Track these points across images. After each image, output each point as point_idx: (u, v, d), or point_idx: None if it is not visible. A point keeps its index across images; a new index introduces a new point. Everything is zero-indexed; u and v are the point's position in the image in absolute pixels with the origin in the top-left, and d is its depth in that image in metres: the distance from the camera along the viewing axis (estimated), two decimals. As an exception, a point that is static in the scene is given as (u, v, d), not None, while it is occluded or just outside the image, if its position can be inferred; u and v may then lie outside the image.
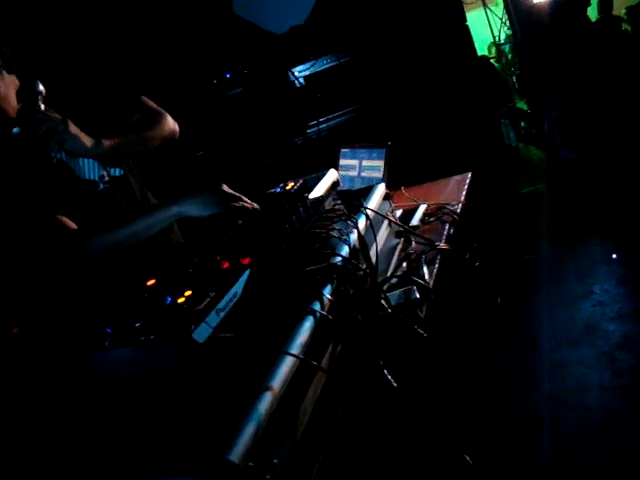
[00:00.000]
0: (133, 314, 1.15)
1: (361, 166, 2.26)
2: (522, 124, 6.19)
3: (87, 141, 1.53)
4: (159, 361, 1.01)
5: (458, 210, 2.05)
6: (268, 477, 0.84)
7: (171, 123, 1.84)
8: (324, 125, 4.96)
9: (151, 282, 1.29)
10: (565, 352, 2.60)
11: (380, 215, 1.58)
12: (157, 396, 0.97)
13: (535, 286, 3.17)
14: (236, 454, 0.80)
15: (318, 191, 1.52)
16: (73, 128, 1.49)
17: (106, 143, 1.58)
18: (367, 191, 1.70)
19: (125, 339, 1.07)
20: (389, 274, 1.57)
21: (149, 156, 1.79)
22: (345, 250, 1.30)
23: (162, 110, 1.85)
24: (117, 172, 1.71)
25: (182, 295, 1.14)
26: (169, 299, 1.16)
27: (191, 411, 0.94)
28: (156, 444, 0.90)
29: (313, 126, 4.98)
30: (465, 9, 4.35)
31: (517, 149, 5.69)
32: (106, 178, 1.67)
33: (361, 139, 2.40)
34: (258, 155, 4.42)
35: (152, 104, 1.84)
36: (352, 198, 1.56)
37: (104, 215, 1.58)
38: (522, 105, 6.70)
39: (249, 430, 0.84)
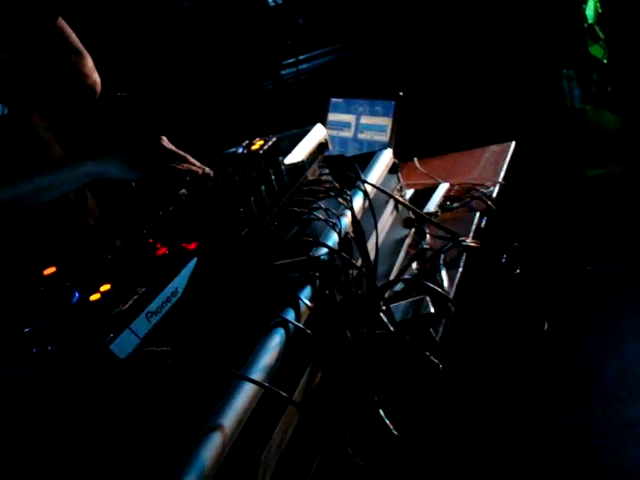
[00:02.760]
0: (19, 315, 1.17)
1: (359, 124, 2.30)
2: (594, 77, 6.25)
3: None
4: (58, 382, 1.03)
5: (494, 194, 2.09)
6: None
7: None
8: (305, 65, 4.99)
9: (49, 270, 1.31)
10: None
11: (384, 194, 1.61)
12: (60, 429, 0.99)
13: (600, 310, 3.23)
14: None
15: (297, 154, 1.55)
16: None
17: None
18: (367, 159, 1.73)
19: (7, 350, 1.09)
20: (392, 277, 1.61)
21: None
22: (333, 239, 1.33)
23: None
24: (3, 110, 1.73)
25: (96, 290, 1.17)
26: (77, 295, 1.18)
27: (105, 455, 0.96)
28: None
29: (291, 65, 5.00)
30: None
31: (584, 113, 5.76)
32: None
33: (358, 87, 2.43)
34: (212, 101, 4.42)
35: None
36: (345, 167, 1.59)
37: None
38: (596, 51, 6.77)
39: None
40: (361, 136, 2.27)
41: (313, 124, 1.89)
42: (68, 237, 1.61)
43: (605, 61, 6.51)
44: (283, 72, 4.96)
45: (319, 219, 1.35)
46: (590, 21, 7.55)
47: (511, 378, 2.39)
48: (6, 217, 1.51)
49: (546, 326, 2.33)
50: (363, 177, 1.56)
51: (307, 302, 1.19)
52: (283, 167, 1.48)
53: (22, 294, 1.24)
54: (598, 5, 7.23)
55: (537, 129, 4.14)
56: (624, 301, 3.32)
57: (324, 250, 1.30)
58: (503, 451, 2.27)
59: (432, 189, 2.19)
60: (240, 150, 1.69)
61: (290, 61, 4.98)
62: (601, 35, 7.08)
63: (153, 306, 1.08)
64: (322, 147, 1.69)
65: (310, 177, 1.48)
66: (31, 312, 1.17)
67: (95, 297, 1.15)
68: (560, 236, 3.69)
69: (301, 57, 5.00)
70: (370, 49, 4.54)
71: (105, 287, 1.17)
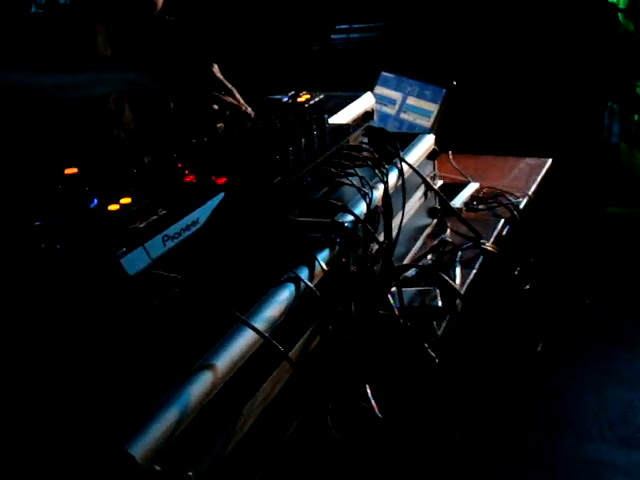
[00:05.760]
0: (34, 208, 1.15)
1: (404, 104, 2.26)
2: (635, 117, 6.21)
3: None
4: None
5: (521, 205, 2.07)
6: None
7: None
8: (356, 35, 4.93)
9: (71, 170, 1.28)
10: (609, 452, 2.66)
11: (420, 177, 1.59)
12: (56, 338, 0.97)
13: (590, 346, 3.23)
14: (140, 449, 0.80)
15: (344, 116, 1.52)
16: None
17: None
18: (408, 139, 1.71)
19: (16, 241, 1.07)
20: (406, 262, 1.59)
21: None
22: (362, 208, 1.31)
23: None
24: None
25: (116, 201, 1.15)
26: (95, 201, 1.16)
27: (99, 370, 0.94)
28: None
29: (342, 31, 4.95)
30: None
31: (618, 149, 5.72)
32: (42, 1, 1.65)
33: (410, 66, 2.40)
34: (260, 47, 4.37)
35: None
36: (386, 141, 1.56)
37: (30, 49, 1.58)
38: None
39: (167, 420, 0.85)
40: (404, 116, 2.23)
41: (356, 92, 1.86)
42: (97, 145, 1.58)
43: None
44: (334, 36, 4.91)
45: (352, 185, 1.32)
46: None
47: (496, 388, 2.38)
48: (46, 103, 1.50)
49: (540, 348, 2.33)
50: (402, 155, 1.53)
51: (323, 264, 1.17)
52: (327, 125, 1.45)
53: (40, 188, 1.22)
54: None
55: (572, 153, 4.10)
56: (614, 340, 3.32)
57: (349, 217, 1.27)
58: (468, 458, 2.27)
59: (461, 186, 2.16)
60: (285, 99, 1.66)
61: (342, 27, 4.92)
62: (650, 77, 7.03)
63: (171, 230, 1.06)
64: (367, 116, 1.66)
65: (351, 142, 1.45)
66: (46, 208, 1.14)
67: (114, 207, 1.13)
68: (570, 263, 3.68)
69: (355, 26, 4.94)
70: (427, 33, 4.48)
71: (126, 200, 1.15)
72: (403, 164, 1.52)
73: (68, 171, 1.29)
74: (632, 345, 3.31)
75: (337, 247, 1.23)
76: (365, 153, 1.45)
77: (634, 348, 3.29)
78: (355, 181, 1.33)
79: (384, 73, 2.35)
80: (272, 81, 3.92)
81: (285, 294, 1.09)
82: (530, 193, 2.17)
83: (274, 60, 4.41)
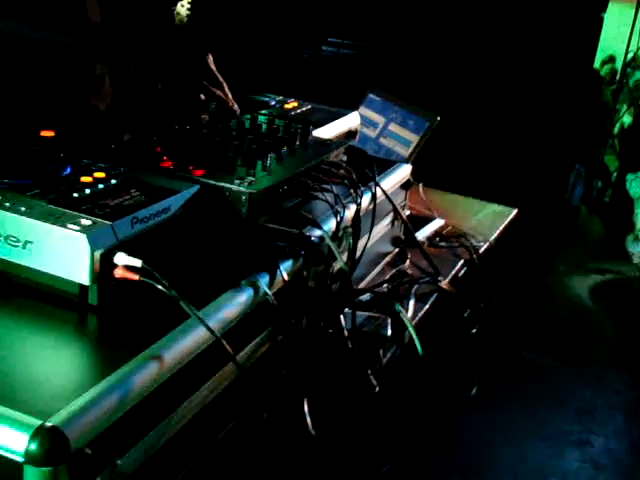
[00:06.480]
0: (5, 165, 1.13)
1: (386, 129, 2.27)
2: (598, 184, 6.35)
3: None
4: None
5: (481, 250, 2.09)
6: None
7: None
8: (347, 51, 4.96)
9: (47, 133, 1.26)
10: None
11: (392, 205, 1.59)
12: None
13: (520, 398, 3.27)
14: (75, 430, 0.79)
15: (328, 131, 1.52)
16: None
17: None
18: (386, 165, 1.71)
19: None
20: (362, 285, 1.59)
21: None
22: (331, 225, 1.31)
23: None
24: None
25: (90, 173, 1.13)
26: (69, 169, 1.14)
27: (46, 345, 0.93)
28: None
29: (333, 44, 4.97)
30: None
31: (577, 211, 5.85)
32: None
33: (397, 91, 2.41)
34: (248, 44, 4.36)
35: None
36: (364, 164, 1.57)
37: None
38: (610, 161, 6.86)
39: (105, 406, 0.83)
40: (383, 141, 2.24)
41: (340, 107, 1.87)
42: (74, 110, 1.55)
43: (614, 174, 6.62)
44: (324, 48, 4.92)
45: (325, 201, 1.32)
46: (615, 132, 7.66)
47: (422, 426, 2.39)
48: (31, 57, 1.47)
49: (474, 392, 2.34)
50: (378, 180, 1.54)
51: (284, 274, 1.17)
52: (310, 137, 1.45)
53: (14, 146, 1.19)
54: (626, 120, 7.33)
55: (534, 207, 4.18)
56: (543, 396, 3.37)
57: (317, 232, 1.27)
58: None
59: (426, 220, 2.17)
60: (273, 103, 1.66)
61: (334, 40, 4.95)
62: (617, 149, 7.20)
63: (141, 214, 1.04)
64: (350, 135, 1.67)
65: (332, 158, 1.45)
66: (17, 166, 1.12)
67: (86, 179, 1.11)
68: (515, 314, 3.74)
69: (346, 42, 4.97)
70: (415, 64, 4.52)
71: (99, 174, 1.13)
72: (377, 189, 1.52)
73: (45, 133, 1.26)
74: (559, 403, 3.36)
75: (300, 260, 1.23)
76: (343, 171, 1.45)
77: (560, 406, 3.34)
78: (329, 197, 1.33)
79: (371, 95, 2.35)
80: (255, 79, 3.91)
81: (243, 297, 1.09)
82: (492, 239, 2.19)
83: (261, 59, 4.40)
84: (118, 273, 0.97)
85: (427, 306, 1.65)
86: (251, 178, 1.22)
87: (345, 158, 1.60)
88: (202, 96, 1.48)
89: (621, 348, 3.95)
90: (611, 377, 3.62)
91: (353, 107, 2.28)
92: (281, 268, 1.17)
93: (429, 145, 2.26)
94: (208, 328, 0.97)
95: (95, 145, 1.26)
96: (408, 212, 2.17)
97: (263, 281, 1.13)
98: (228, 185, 1.20)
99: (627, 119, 7.39)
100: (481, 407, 2.91)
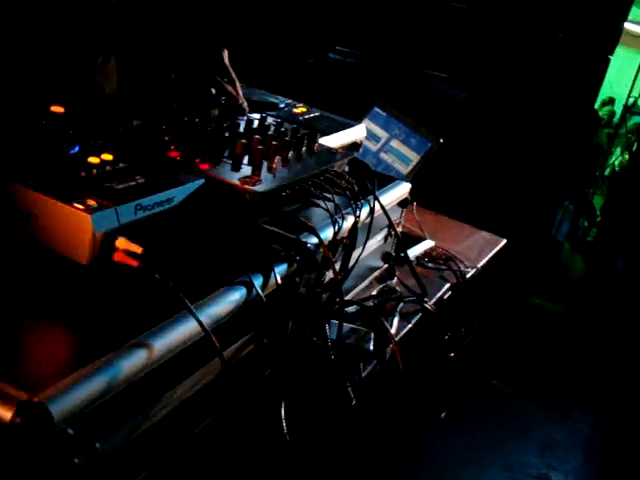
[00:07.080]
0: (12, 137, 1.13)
1: (387, 144, 2.28)
2: (585, 223, 6.42)
3: None
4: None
5: (468, 275, 2.11)
6: (76, 460, 0.83)
7: None
8: (352, 60, 4.96)
9: (57, 109, 1.25)
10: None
11: (389, 221, 1.60)
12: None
13: (484, 426, 3.29)
14: (60, 409, 0.79)
15: (334, 140, 1.53)
16: None
17: None
18: (386, 181, 1.72)
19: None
20: (349, 297, 1.60)
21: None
22: (328, 234, 1.32)
23: None
24: None
25: (97, 154, 1.13)
26: (77, 148, 1.14)
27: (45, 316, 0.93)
28: None
29: (340, 52, 4.98)
30: (621, 40, 4.45)
31: (561, 247, 5.92)
32: None
33: (402, 107, 2.41)
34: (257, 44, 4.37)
35: None
36: (366, 177, 1.57)
37: None
38: (598, 201, 6.94)
39: (91, 388, 0.83)
40: (383, 156, 2.25)
41: (337, 114, 1.88)
42: (80, 86, 1.54)
43: (599, 217, 6.70)
44: (331, 55, 4.93)
45: (326, 210, 1.33)
46: (606, 174, 7.77)
47: (389, 444, 2.40)
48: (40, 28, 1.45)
49: (443, 415, 2.37)
50: (377, 195, 1.55)
51: (278, 278, 1.17)
52: (316, 145, 1.46)
53: (24, 119, 1.19)
54: (613, 163, 7.42)
55: (519, 239, 4.21)
56: (507, 426, 3.40)
57: (314, 240, 1.28)
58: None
59: (417, 239, 2.18)
60: (282, 106, 1.66)
61: (342, 49, 4.95)
62: (604, 190, 7.30)
63: (145, 201, 1.05)
64: (354, 147, 1.67)
65: (336, 168, 1.46)
66: (24, 140, 1.12)
67: (93, 160, 1.11)
68: (488, 342, 3.77)
69: (353, 51, 4.98)
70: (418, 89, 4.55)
71: (107, 156, 1.13)
72: (376, 204, 1.53)
73: (54, 108, 1.25)
74: (522, 433, 3.39)
75: (295, 265, 1.23)
76: (344, 183, 1.46)
77: (523, 437, 3.37)
78: (330, 206, 1.34)
79: (376, 109, 2.37)
80: (260, 79, 3.91)
81: (236, 295, 1.09)
82: (479, 266, 2.21)
83: (267, 59, 4.40)
84: (118, 257, 0.97)
85: (410, 325, 1.67)
86: (256, 178, 1.23)
87: (347, 169, 1.61)
88: (213, 90, 1.48)
89: (589, 386, 3.99)
90: (576, 415, 3.66)
91: (352, 116, 2.30)
92: (275, 271, 1.18)
93: (427, 165, 2.28)
94: (199, 322, 0.97)
95: (104, 127, 1.26)
96: (399, 230, 2.18)
97: (257, 282, 1.13)
98: (232, 182, 1.20)
99: (618, 162, 7.49)
100: (448, 429, 2.93)
